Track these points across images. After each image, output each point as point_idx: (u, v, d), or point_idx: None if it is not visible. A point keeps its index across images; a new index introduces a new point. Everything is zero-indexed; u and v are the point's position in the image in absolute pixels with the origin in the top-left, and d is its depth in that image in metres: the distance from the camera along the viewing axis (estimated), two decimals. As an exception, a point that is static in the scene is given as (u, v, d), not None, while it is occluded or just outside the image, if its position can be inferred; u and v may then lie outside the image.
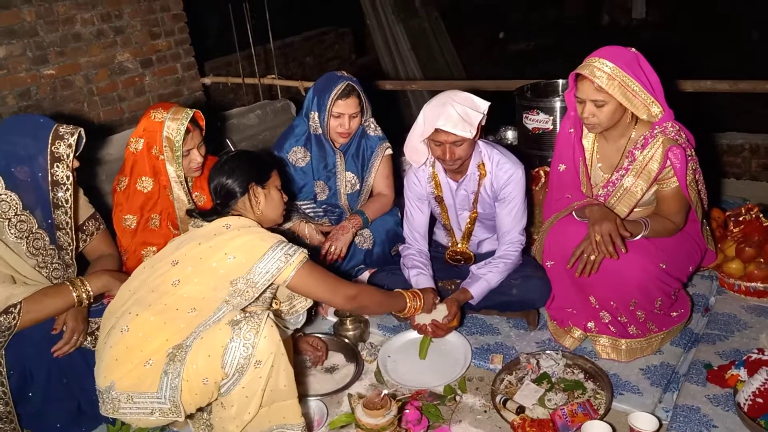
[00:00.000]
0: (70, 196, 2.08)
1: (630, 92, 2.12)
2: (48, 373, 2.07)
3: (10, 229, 2.02)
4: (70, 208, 2.10)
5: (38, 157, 2.01)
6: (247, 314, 1.80)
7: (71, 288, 2.07)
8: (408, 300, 2.28)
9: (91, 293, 2.10)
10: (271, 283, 1.90)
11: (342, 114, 2.73)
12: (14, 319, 1.95)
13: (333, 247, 2.68)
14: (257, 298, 1.91)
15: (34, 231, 2.07)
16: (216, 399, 1.84)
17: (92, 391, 1.89)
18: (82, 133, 2.08)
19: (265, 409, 1.87)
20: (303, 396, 2.26)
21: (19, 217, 2.04)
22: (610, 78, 2.10)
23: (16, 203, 2.03)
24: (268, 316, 1.80)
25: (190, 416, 1.93)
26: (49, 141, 2.02)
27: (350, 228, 2.75)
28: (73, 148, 2.05)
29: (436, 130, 2.30)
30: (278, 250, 1.88)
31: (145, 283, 1.89)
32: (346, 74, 2.79)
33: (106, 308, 1.97)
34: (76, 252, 2.24)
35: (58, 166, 2.04)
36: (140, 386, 1.77)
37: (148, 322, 1.81)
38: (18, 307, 1.96)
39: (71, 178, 2.06)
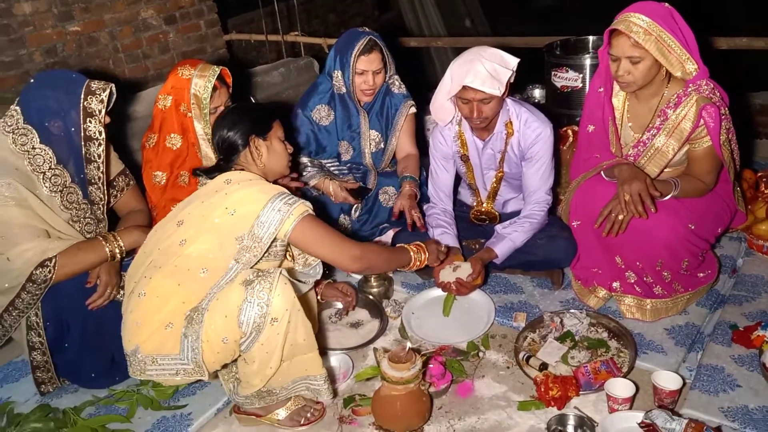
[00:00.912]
0: (103, 151, 2.11)
1: (666, 48, 2.07)
2: (83, 324, 2.14)
3: (44, 183, 2.06)
4: (103, 163, 2.13)
5: (71, 112, 2.04)
6: (260, 273, 1.81)
7: (104, 243, 2.12)
8: (412, 253, 2.19)
9: (123, 248, 2.15)
10: (276, 237, 1.87)
11: (366, 71, 2.70)
12: (50, 272, 2.01)
13: (413, 210, 2.62)
14: (267, 252, 1.90)
15: (68, 185, 2.11)
16: (239, 355, 1.88)
17: (125, 341, 1.95)
18: (113, 89, 2.09)
19: (287, 362, 1.91)
20: (329, 349, 2.31)
21: (53, 171, 2.07)
22: (647, 33, 2.05)
23: (51, 157, 2.06)
24: (280, 273, 1.81)
25: (216, 372, 1.99)
26: (82, 96, 2.04)
27: (416, 192, 2.70)
28: (105, 103, 2.06)
29: (464, 88, 2.26)
30: (278, 200, 1.84)
31: (156, 245, 1.91)
32: (367, 30, 2.75)
33: (127, 272, 2.01)
34: (107, 207, 2.28)
35: (90, 121, 2.06)
36: (163, 349, 1.82)
37: (163, 284, 1.84)
38: (53, 260, 2.01)
39: (103, 134, 2.09)
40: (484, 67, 2.23)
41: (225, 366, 1.98)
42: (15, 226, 2.00)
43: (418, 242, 2.26)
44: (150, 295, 1.84)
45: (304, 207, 1.88)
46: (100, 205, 2.20)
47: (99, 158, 2.11)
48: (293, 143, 2.17)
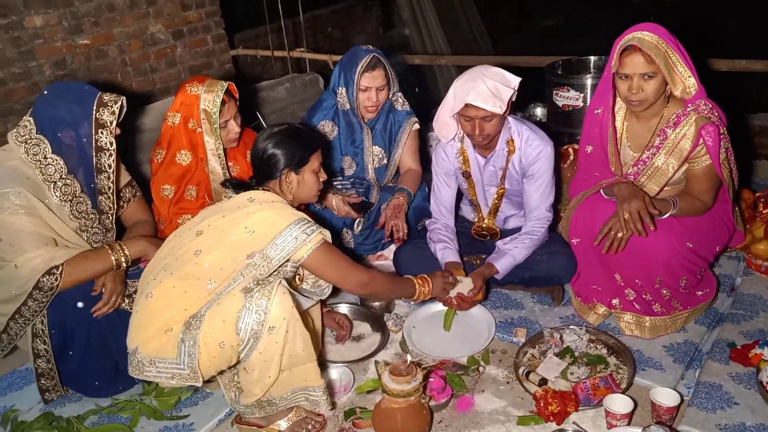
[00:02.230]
0: (113, 161, 2.15)
1: (671, 65, 2.11)
2: (88, 332, 2.16)
3: (55, 192, 2.10)
4: (113, 173, 2.16)
5: (83, 123, 2.08)
6: (260, 282, 1.85)
7: (110, 252, 2.15)
8: (417, 286, 2.27)
9: (129, 257, 2.18)
10: (288, 260, 1.92)
11: (369, 87, 2.75)
12: (56, 280, 2.03)
13: (397, 227, 2.69)
14: (276, 271, 1.94)
15: (77, 195, 2.15)
16: (238, 364, 1.91)
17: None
18: (124, 101, 2.14)
19: (287, 372, 1.93)
20: (330, 362, 2.33)
21: (64, 181, 2.11)
22: (658, 49, 2.08)
23: (62, 167, 2.10)
24: (279, 283, 1.84)
25: (211, 380, 2.01)
26: (94, 108, 2.08)
27: (403, 204, 2.77)
28: (116, 115, 2.11)
29: (467, 105, 2.30)
30: (296, 228, 1.89)
31: (172, 251, 1.96)
32: (371, 47, 2.81)
33: (142, 274, 2.04)
34: (113, 217, 2.31)
35: (102, 132, 2.10)
36: (161, 352, 1.85)
37: (170, 289, 1.88)
38: (60, 268, 2.04)
39: (114, 144, 2.13)
40: (486, 86, 2.27)
41: (221, 373, 2.00)
42: (23, 233, 2.03)
43: (423, 275, 2.32)
44: (156, 298, 1.88)
45: (320, 236, 1.93)
46: (110, 215, 2.24)
47: (110, 168, 2.15)
48: (329, 170, 2.19)
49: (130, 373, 1.91)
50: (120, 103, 2.12)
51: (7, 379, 2.43)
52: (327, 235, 1.97)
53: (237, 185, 2.10)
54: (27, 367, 2.41)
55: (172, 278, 1.88)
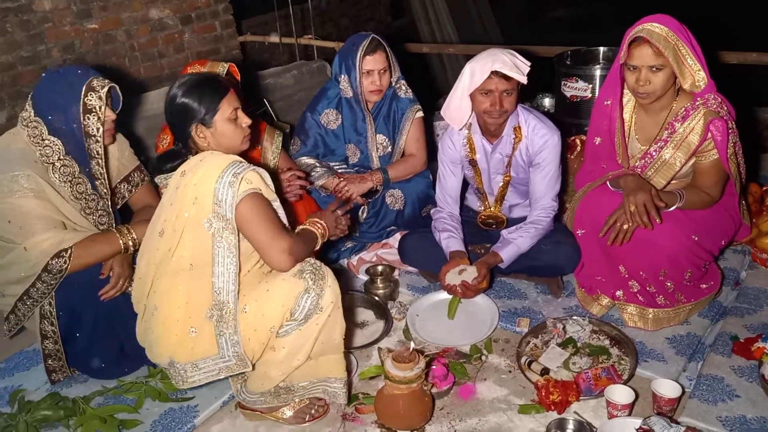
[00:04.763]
0: (101, 148, 2.13)
1: (681, 57, 2.10)
2: (95, 315, 2.18)
3: (54, 173, 2.09)
4: (102, 159, 2.15)
5: (72, 107, 2.06)
6: (309, 264, 1.85)
7: (118, 235, 2.16)
8: (316, 230, 2.01)
9: (137, 240, 2.18)
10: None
11: (372, 70, 2.76)
12: (65, 262, 2.05)
13: (346, 188, 2.77)
14: None
15: (76, 176, 2.13)
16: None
17: (135, 334, 1.99)
18: (117, 88, 2.12)
19: (314, 361, 1.94)
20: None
21: (62, 162, 2.10)
22: (667, 41, 2.08)
23: (60, 148, 2.09)
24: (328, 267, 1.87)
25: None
26: (82, 92, 2.06)
27: (368, 180, 2.84)
28: (104, 100, 2.08)
29: (490, 77, 2.31)
30: (227, 174, 1.75)
31: (149, 265, 1.89)
32: (370, 32, 2.82)
33: (132, 295, 2.01)
34: (122, 202, 2.33)
35: (89, 118, 2.08)
36: (198, 353, 1.84)
37: (168, 293, 1.84)
38: (69, 251, 2.05)
39: (101, 131, 2.11)
40: (507, 58, 2.31)
41: None
42: (33, 216, 2.04)
43: (314, 219, 2.06)
44: (161, 308, 1.85)
45: (246, 184, 1.78)
46: (106, 200, 2.24)
47: (98, 155, 2.14)
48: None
49: (175, 385, 1.90)
50: (107, 87, 2.09)
51: (15, 359, 2.46)
52: (262, 173, 1.83)
53: (163, 159, 1.96)
54: (34, 348, 2.44)
55: (165, 283, 1.84)
